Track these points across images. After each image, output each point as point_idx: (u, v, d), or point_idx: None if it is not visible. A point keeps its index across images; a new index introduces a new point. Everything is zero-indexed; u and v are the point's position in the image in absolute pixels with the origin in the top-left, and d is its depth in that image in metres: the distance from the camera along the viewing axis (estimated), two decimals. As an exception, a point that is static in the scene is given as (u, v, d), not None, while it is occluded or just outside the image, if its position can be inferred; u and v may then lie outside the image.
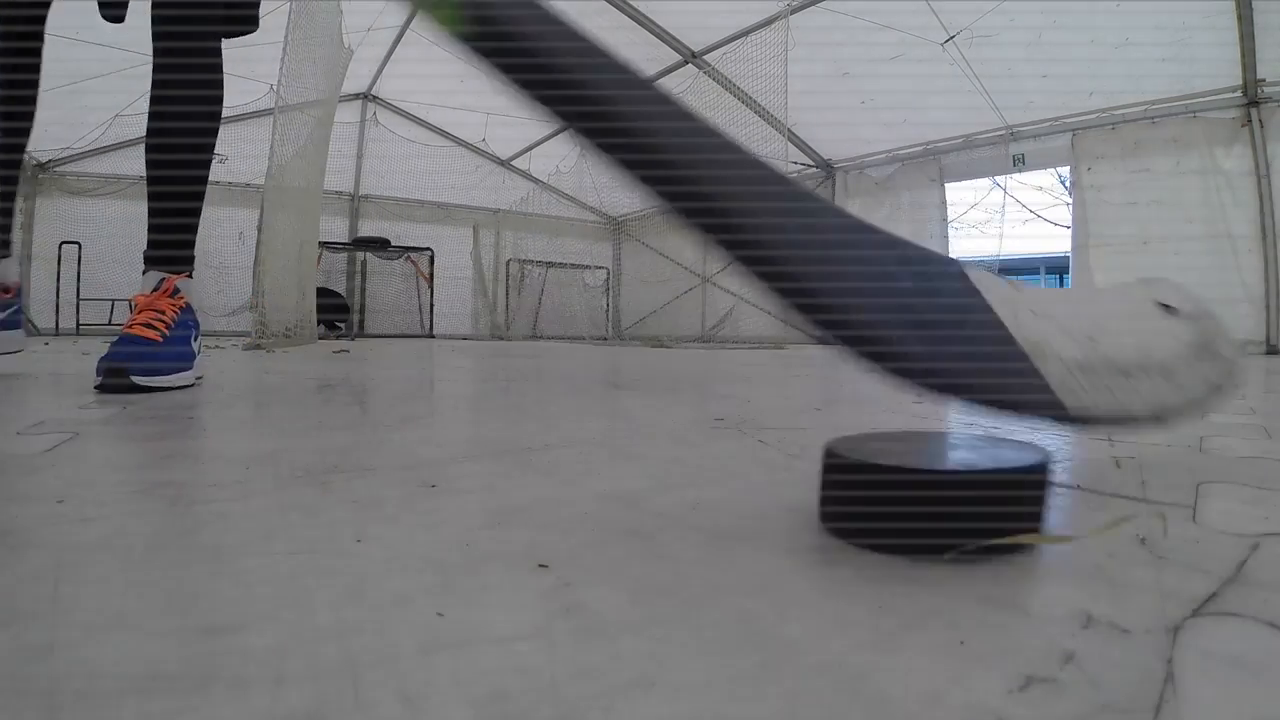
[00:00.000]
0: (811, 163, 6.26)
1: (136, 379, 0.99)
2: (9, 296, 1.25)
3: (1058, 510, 0.42)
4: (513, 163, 7.53)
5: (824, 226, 0.37)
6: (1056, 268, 14.01)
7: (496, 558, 0.32)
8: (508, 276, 7.61)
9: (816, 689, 0.21)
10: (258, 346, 2.93)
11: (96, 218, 5.70)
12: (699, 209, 0.32)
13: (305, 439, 0.65)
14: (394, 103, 6.81)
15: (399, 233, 7.09)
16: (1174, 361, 0.35)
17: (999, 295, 0.37)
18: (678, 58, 5.35)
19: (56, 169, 5.79)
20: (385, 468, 0.52)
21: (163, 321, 1.09)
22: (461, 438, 0.70)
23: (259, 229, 3.52)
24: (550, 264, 7.77)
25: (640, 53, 5.01)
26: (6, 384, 1.14)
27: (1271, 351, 3.76)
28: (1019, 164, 5.13)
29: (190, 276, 1.18)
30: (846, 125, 5.49)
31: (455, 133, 7.12)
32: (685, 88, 5.22)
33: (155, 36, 1.12)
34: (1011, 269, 12.19)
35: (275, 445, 0.61)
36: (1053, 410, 0.33)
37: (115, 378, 0.98)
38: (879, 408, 1.01)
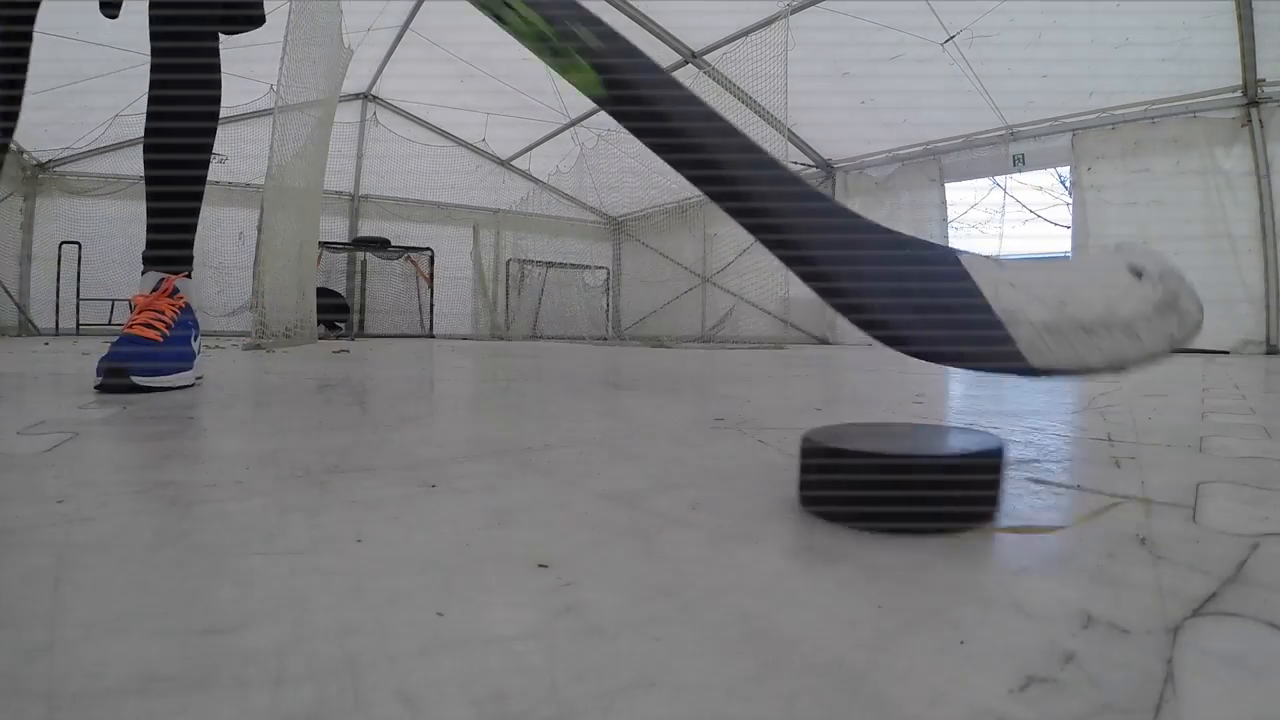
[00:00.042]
0: (811, 163, 6.25)
1: (136, 379, 0.99)
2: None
3: (1057, 509, 0.42)
4: (513, 163, 7.53)
5: (852, 227, 0.46)
6: (1056, 268, 13.97)
7: (496, 558, 0.32)
8: (507, 276, 7.61)
9: (816, 689, 0.21)
10: (258, 346, 2.93)
11: (96, 218, 5.71)
12: (776, 240, 0.44)
13: (305, 439, 0.65)
14: (394, 103, 6.81)
15: (399, 233, 7.10)
16: (1136, 319, 0.39)
17: (986, 275, 0.44)
18: (678, 58, 5.35)
19: (56, 169, 5.79)
20: (385, 468, 0.52)
21: (162, 321, 1.09)
22: (461, 438, 0.70)
23: (259, 229, 3.52)
24: (550, 264, 7.77)
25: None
26: (7, 384, 1.14)
27: (1271, 351, 3.76)
28: (1019, 164, 5.13)
29: (189, 276, 1.18)
30: (846, 125, 5.49)
31: (455, 133, 7.13)
32: (685, 88, 5.21)
33: (152, 35, 1.12)
34: (1011, 269, 12.15)
35: (275, 445, 0.61)
36: (1019, 364, 0.39)
37: (115, 378, 0.98)
38: (879, 407, 1.01)
